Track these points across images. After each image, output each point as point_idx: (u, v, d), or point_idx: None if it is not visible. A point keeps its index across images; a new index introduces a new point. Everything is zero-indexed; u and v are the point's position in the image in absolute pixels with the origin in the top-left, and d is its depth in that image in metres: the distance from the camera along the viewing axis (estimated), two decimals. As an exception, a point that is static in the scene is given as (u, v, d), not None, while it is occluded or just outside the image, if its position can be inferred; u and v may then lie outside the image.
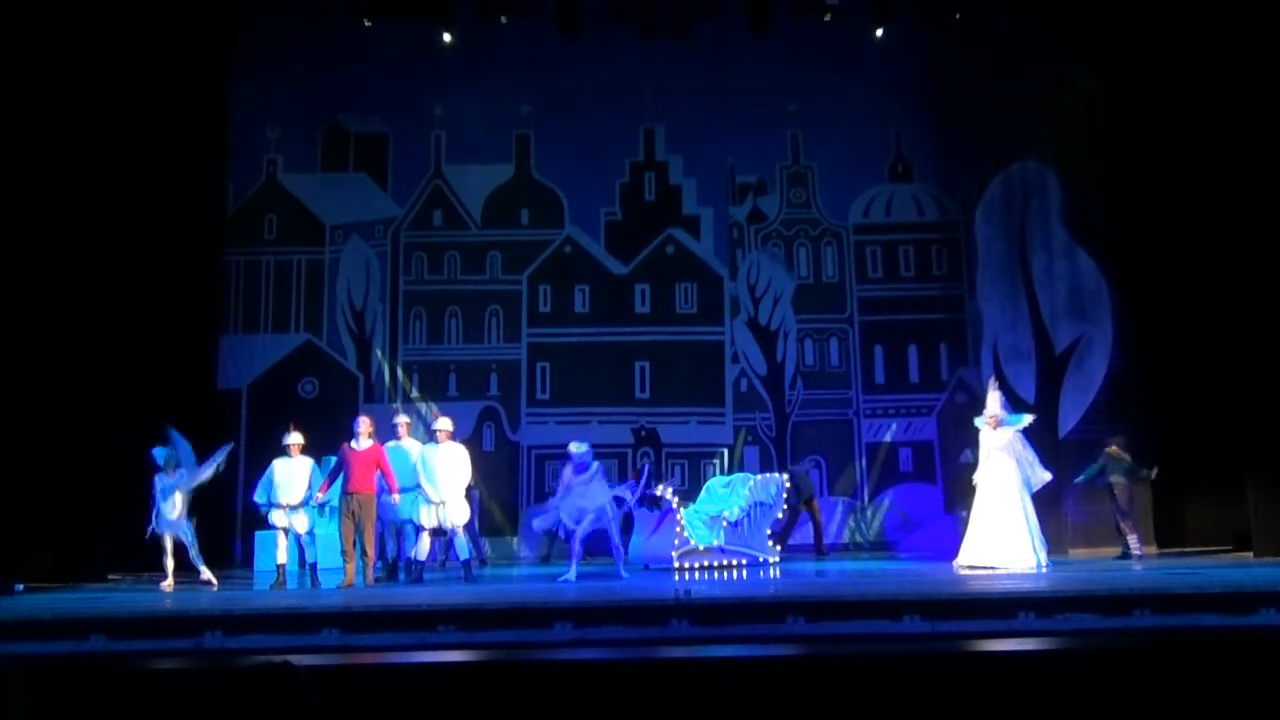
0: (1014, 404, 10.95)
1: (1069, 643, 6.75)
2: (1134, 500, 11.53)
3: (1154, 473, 11.56)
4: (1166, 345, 12.67)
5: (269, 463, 10.32)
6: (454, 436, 10.86)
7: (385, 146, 14.66)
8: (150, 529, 9.81)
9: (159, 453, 9.87)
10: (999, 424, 10.00)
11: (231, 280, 14.16)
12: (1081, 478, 11.77)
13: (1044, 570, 9.53)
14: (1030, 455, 9.93)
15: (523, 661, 6.34)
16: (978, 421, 10.20)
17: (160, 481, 9.81)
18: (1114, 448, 11.54)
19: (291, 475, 10.07)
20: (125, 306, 11.81)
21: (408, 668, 6.32)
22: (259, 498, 10.19)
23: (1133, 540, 11.20)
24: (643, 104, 14.62)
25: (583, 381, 14.23)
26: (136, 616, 7.66)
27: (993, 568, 9.61)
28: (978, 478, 10.02)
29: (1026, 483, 9.86)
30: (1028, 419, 10.20)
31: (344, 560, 9.96)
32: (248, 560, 12.64)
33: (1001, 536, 9.68)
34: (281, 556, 10.10)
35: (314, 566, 10.25)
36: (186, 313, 12.97)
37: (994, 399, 10.16)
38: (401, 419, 10.97)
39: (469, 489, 13.00)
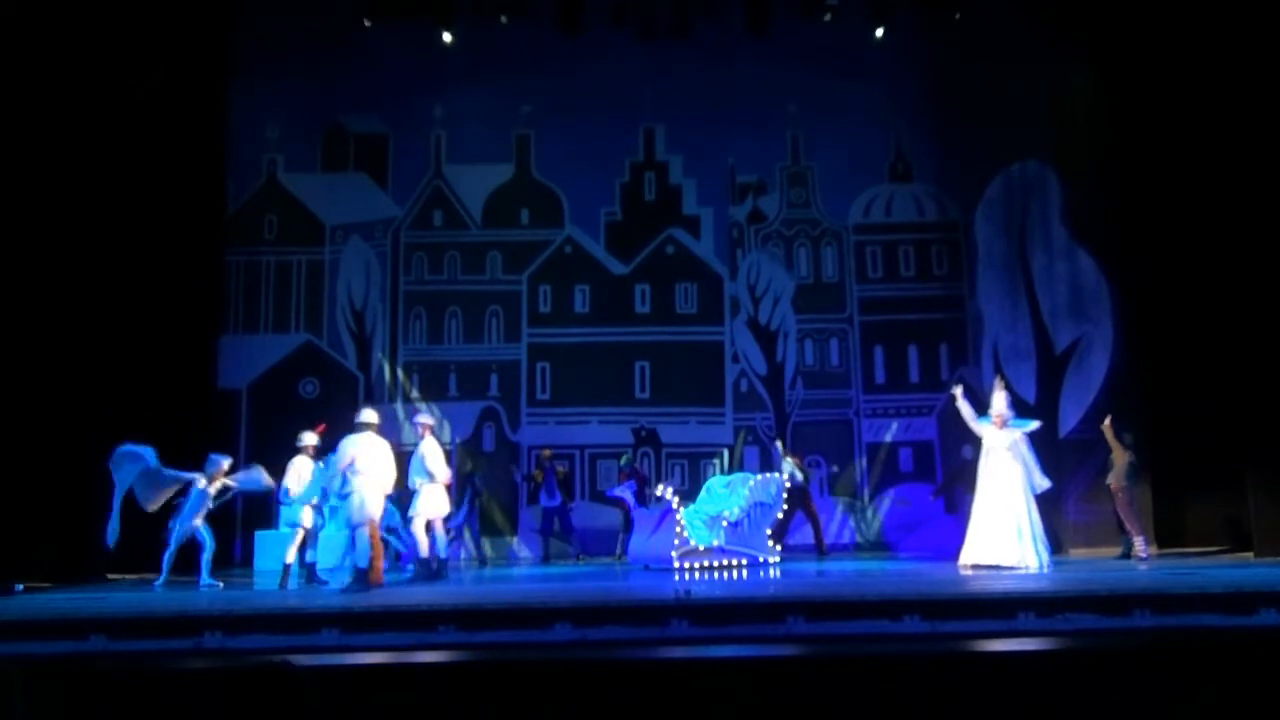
0: (1015, 405, 10.93)
1: (1069, 643, 6.74)
2: (1135, 500, 11.51)
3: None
4: (1166, 345, 12.68)
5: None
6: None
7: (385, 146, 14.67)
8: (178, 531, 9.89)
9: (216, 459, 10.09)
10: (1004, 423, 9.99)
11: (231, 280, 14.16)
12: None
13: (1045, 571, 9.52)
14: (1034, 459, 9.92)
15: (523, 661, 6.34)
16: (982, 420, 10.18)
17: (200, 485, 9.97)
18: (1107, 424, 11.42)
19: (300, 475, 10.19)
20: (126, 306, 11.81)
21: (408, 668, 6.31)
22: (282, 497, 10.49)
23: (1138, 542, 11.17)
24: (643, 104, 14.63)
25: (583, 381, 14.23)
26: (136, 616, 7.66)
27: (996, 566, 9.60)
28: (979, 476, 10.02)
29: (1030, 485, 9.85)
30: (1034, 425, 10.20)
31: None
32: (248, 560, 12.64)
33: (1005, 536, 9.67)
34: (290, 556, 10.15)
35: (313, 566, 10.27)
36: (186, 313, 12.96)
37: (1000, 398, 10.14)
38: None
39: (466, 486, 13.09)
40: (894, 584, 8.86)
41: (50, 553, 10.52)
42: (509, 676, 5.45)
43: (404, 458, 10.62)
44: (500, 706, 5.05)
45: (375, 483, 9.23)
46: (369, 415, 9.53)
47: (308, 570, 10.38)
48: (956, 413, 10.50)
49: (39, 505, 10.27)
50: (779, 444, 13.08)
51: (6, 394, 10.08)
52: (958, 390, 10.44)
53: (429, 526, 10.32)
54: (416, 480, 10.25)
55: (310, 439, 10.35)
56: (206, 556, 10.02)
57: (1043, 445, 12.82)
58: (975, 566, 9.74)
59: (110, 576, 11.06)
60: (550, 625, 7.26)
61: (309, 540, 10.35)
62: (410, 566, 10.74)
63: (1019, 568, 9.53)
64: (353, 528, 9.24)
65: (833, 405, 14.28)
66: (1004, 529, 9.70)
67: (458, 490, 12.92)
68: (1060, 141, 14.04)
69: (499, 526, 13.94)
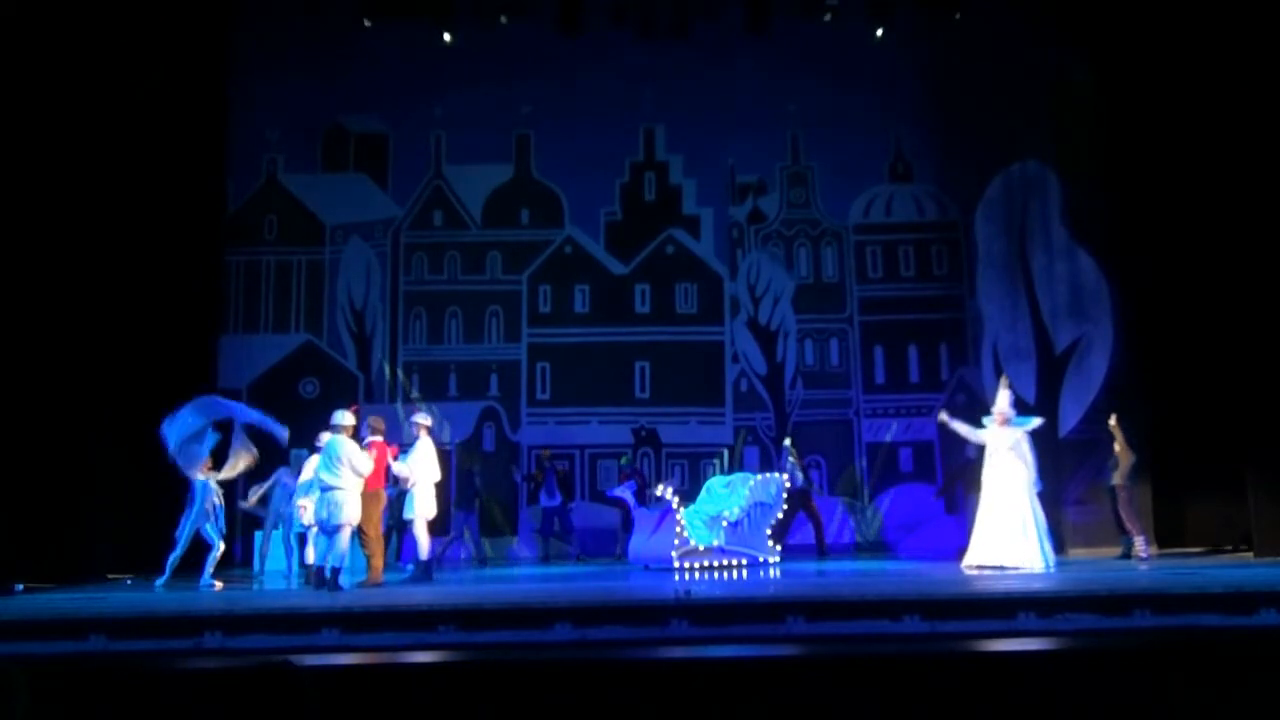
0: (1015, 405, 10.87)
1: (1069, 643, 6.74)
2: (1135, 500, 11.51)
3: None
4: (1166, 345, 12.67)
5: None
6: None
7: (385, 146, 14.67)
8: (187, 531, 9.99)
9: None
10: (1006, 422, 9.96)
11: (231, 280, 14.18)
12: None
13: (1050, 571, 9.52)
14: (1033, 459, 9.90)
15: (523, 661, 6.34)
16: (985, 420, 10.17)
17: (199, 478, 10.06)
18: (1115, 423, 11.42)
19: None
20: (126, 307, 11.81)
21: (408, 668, 6.32)
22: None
23: (1139, 541, 11.16)
24: (643, 104, 14.65)
25: (583, 381, 14.24)
26: (136, 616, 7.66)
27: (1001, 567, 9.59)
28: (984, 477, 10.01)
29: (1034, 483, 9.86)
30: (1036, 421, 10.18)
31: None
32: (248, 560, 12.64)
33: (1010, 536, 9.66)
34: (310, 555, 10.21)
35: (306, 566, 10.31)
36: (186, 313, 12.97)
37: (1004, 397, 10.10)
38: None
39: (467, 484, 13.14)
40: (894, 584, 8.85)
41: (50, 553, 10.51)
42: (509, 676, 5.45)
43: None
44: (500, 707, 5.05)
45: (350, 485, 9.33)
46: (344, 418, 9.57)
47: (307, 571, 10.39)
48: (956, 413, 10.50)
49: (39, 505, 10.26)
50: (789, 442, 13.00)
51: (7, 394, 10.08)
52: (943, 416, 10.38)
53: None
54: (407, 481, 10.25)
55: (327, 438, 10.36)
56: (212, 556, 10.03)
57: (1043, 445, 12.80)
58: (980, 567, 9.73)
59: (110, 576, 11.07)
60: (550, 625, 7.25)
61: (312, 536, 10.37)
62: (409, 566, 10.75)
63: (1024, 568, 9.52)
64: (329, 530, 9.36)
65: (833, 405, 14.28)
66: (1009, 530, 9.68)
67: (459, 489, 13.00)
68: (1060, 141, 14.03)
69: (499, 526, 13.94)
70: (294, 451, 11.36)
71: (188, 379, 12.89)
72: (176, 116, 12.70)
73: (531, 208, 14.65)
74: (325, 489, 9.35)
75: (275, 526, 11.60)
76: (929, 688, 4.99)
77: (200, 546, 10.15)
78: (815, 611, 7.35)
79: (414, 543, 10.39)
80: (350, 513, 9.30)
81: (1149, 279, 12.90)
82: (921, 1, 14.02)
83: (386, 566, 10.57)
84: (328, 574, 9.67)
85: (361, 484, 9.48)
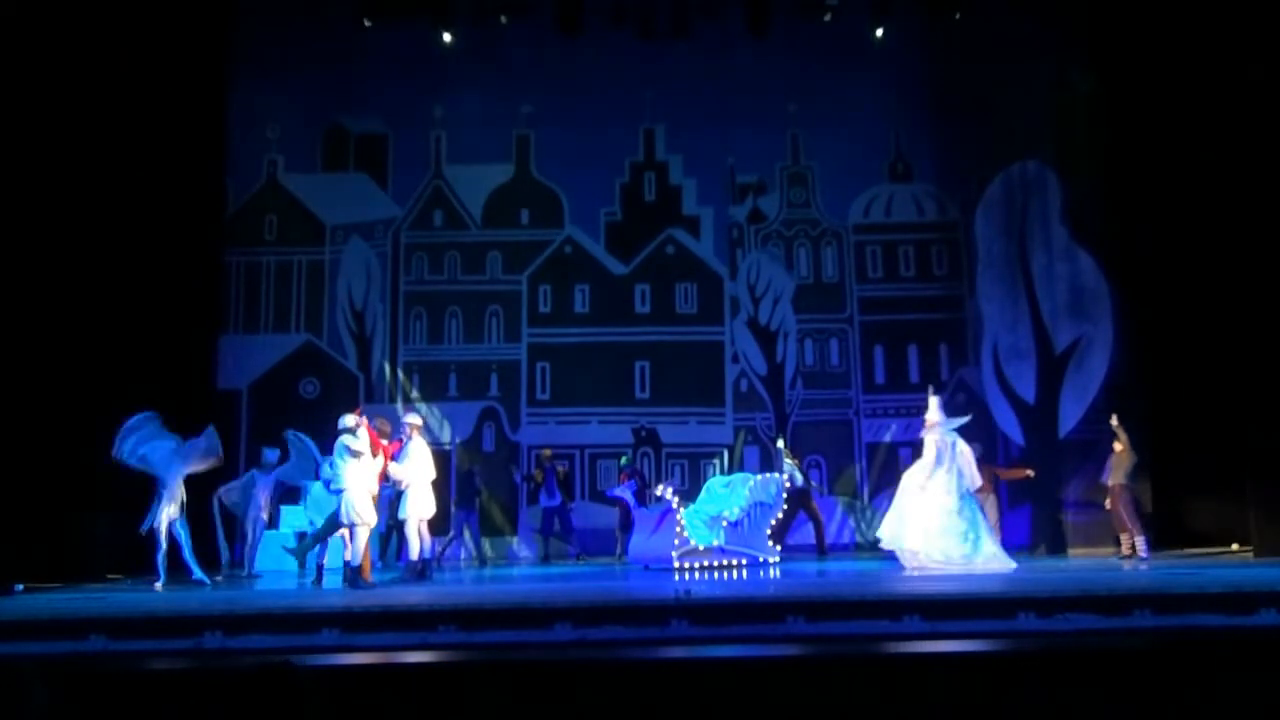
0: (1014, 405, 10.89)
1: (1069, 643, 6.75)
2: (1135, 501, 11.50)
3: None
4: (1167, 345, 12.68)
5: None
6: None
7: (385, 146, 14.67)
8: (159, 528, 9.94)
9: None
10: (934, 427, 10.15)
11: (231, 280, 14.17)
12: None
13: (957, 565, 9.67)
14: (944, 457, 10.00)
15: (523, 661, 6.34)
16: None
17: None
18: (1118, 423, 11.44)
19: None
20: (126, 307, 11.81)
21: (408, 668, 6.32)
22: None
23: (1139, 542, 11.15)
24: (643, 104, 14.65)
25: (583, 381, 14.23)
26: (136, 616, 7.66)
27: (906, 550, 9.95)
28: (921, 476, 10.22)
29: (961, 482, 10.00)
30: (957, 422, 10.36)
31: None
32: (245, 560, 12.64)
33: (924, 528, 9.86)
34: (321, 555, 10.30)
35: (321, 567, 10.33)
36: (186, 313, 12.98)
37: (933, 405, 10.34)
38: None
39: (467, 484, 13.14)
40: (894, 584, 8.86)
41: (50, 553, 10.51)
42: (509, 676, 5.45)
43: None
44: (500, 707, 5.06)
45: (361, 485, 9.47)
46: (345, 420, 9.66)
47: (317, 571, 10.40)
48: (956, 413, 10.56)
49: (39, 505, 10.26)
50: (781, 444, 13.06)
51: (7, 394, 10.08)
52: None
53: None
54: (402, 482, 10.27)
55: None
56: (185, 552, 10.03)
57: (1043, 445, 12.85)
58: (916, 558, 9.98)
59: (110, 576, 11.07)
60: (550, 625, 7.24)
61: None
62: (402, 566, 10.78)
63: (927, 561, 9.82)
64: (348, 527, 9.49)
65: (833, 405, 14.28)
66: (924, 522, 9.91)
67: (459, 489, 13.02)
68: (1060, 141, 14.02)
69: (499, 526, 13.94)
70: (266, 451, 11.33)
71: (188, 379, 12.93)
72: (176, 116, 12.71)
73: (531, 208, 14.65)
74: (336, 491, 9.52)
75: (270, 526, 11.61)
76: (929, 688, 4.99)
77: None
78: (815, 611, 7.34)
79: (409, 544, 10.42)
80: (362, 513, 9.37)
81: (1149, 279, 12.91)
82: (921, 1, 14.01)
83: (388, 567, 10.59)
84: (322, 573, 9.76)
85: (370, 480, 9.56)
